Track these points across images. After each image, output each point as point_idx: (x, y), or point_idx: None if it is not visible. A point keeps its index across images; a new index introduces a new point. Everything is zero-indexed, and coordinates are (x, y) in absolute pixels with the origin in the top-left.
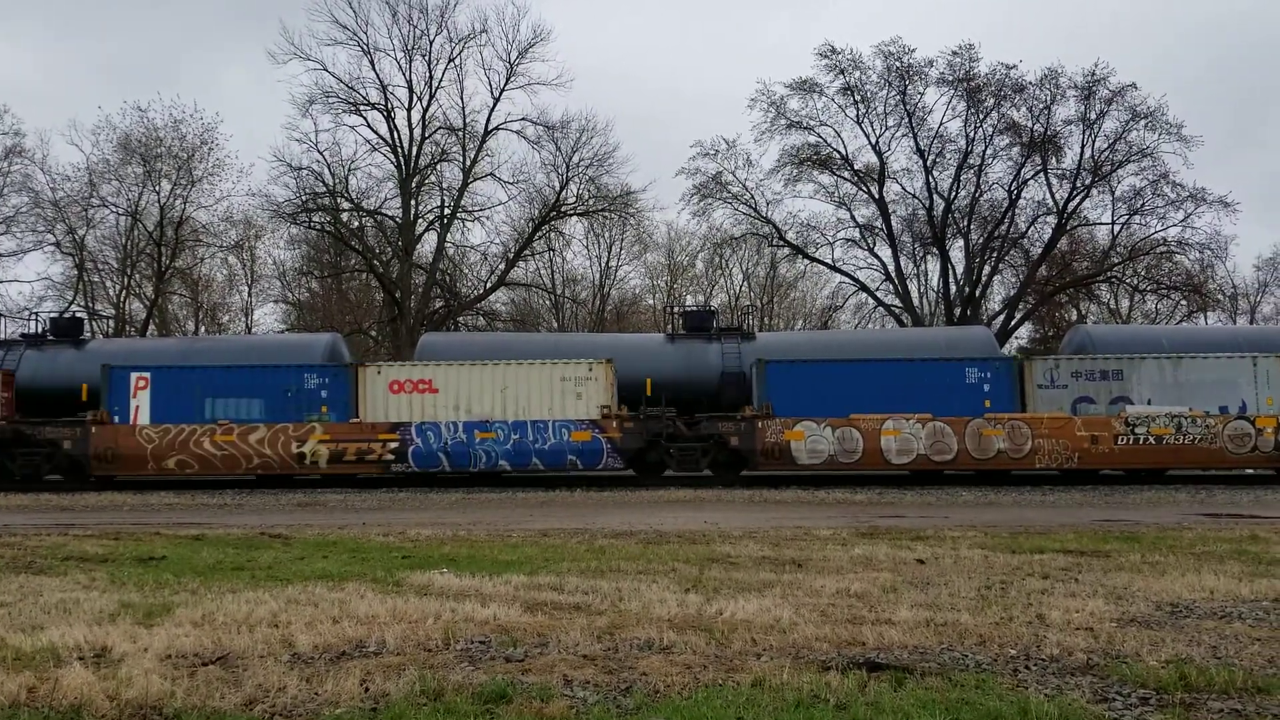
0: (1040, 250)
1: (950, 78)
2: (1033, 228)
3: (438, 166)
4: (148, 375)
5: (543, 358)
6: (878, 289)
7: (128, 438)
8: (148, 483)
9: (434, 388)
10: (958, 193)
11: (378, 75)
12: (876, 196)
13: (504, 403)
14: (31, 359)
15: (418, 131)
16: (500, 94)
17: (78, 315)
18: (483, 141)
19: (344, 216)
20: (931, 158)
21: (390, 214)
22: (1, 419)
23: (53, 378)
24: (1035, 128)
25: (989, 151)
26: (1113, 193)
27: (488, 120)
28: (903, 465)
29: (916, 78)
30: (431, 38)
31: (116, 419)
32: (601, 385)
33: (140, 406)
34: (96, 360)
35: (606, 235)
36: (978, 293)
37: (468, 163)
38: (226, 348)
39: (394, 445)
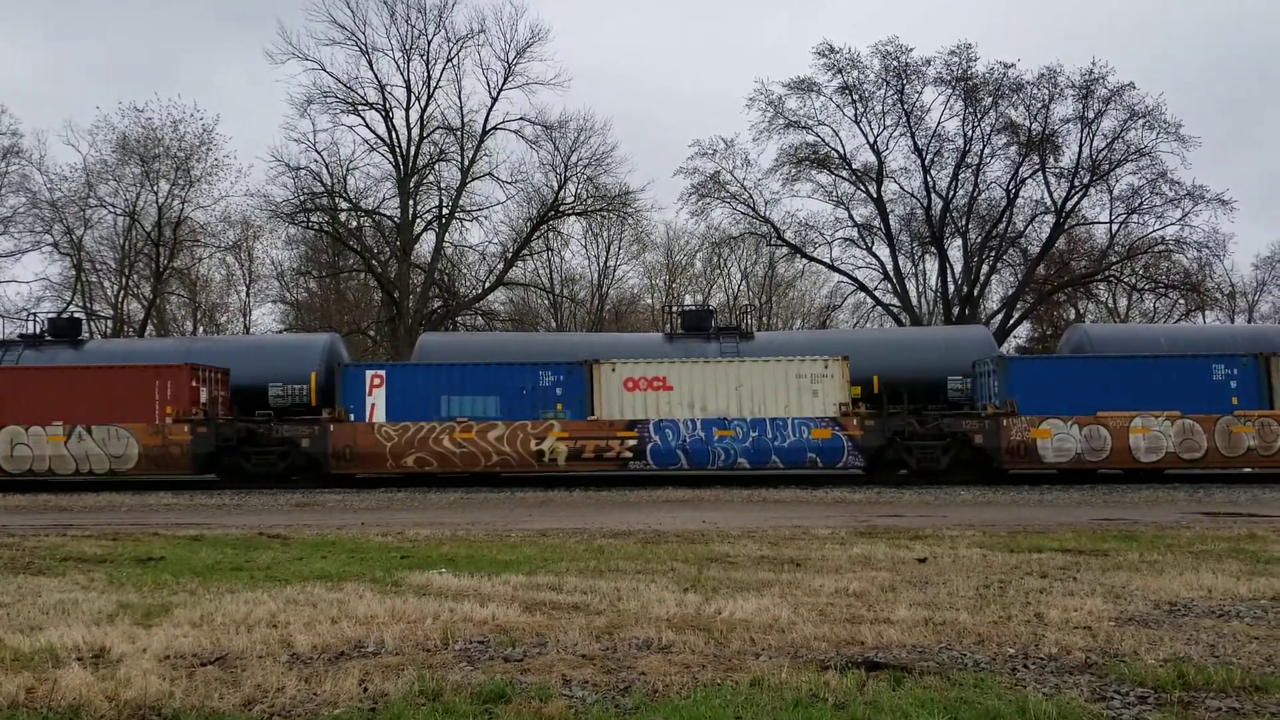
0: (1038, 249)
1: (948, 77)
2: (1031, 227)
3: (436, 166)
4: (383, 373)
5: (543, 357)
6: (876, 288)
7: (366, 436)
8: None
9: (668, 385)
10: (956, 192)
11: (376, 75)
12: (874, 196)
13: (739, 400)
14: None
15: (416, 131)
16: (498, 94)
17: (75, 315)
18: (481, 141)
19: (342, 216)
20: (929, 157)
21: (388, 214)
22: (225, 418)
23: None
24: (1033, 127)
25: (987, 150)
26: (1111, 192)
27: (486, 120)
28: (1151, 463)
29: (914, 77)
30: (429, 37)
31: (352, 417)
32: (838, 382)
33: (376, 405)
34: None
35: (605, 235)
36: (976, 292)
37: (466, 162)
38: (225, 347)
39: (632, 443)
